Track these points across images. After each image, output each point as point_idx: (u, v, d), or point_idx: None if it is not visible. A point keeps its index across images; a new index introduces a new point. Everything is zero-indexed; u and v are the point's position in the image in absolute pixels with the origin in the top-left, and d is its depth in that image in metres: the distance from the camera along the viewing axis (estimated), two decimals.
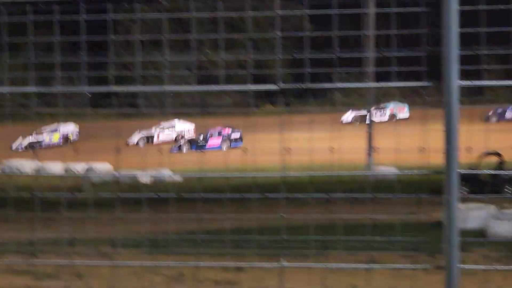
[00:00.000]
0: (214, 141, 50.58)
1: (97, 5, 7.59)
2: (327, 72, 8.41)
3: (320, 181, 10.72)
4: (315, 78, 7.07)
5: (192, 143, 51.13)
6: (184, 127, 54.71)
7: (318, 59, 8.00)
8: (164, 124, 53.72)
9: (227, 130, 51.04)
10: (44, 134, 54.57)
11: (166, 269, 14.23)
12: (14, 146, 51.87)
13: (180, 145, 50.57)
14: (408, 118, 55.67)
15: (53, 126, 53.13)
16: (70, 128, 54.58)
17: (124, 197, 8.85)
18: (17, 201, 9.26)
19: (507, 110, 60.16)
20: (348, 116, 58.37)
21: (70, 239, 14.63)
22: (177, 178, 33.57)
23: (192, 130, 54.21)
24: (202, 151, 47.12)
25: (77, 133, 54.51)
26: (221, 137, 51.02)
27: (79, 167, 42.82)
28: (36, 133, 54.14)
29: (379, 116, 57.86)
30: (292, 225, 9.90)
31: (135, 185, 32.21)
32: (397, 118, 57.34)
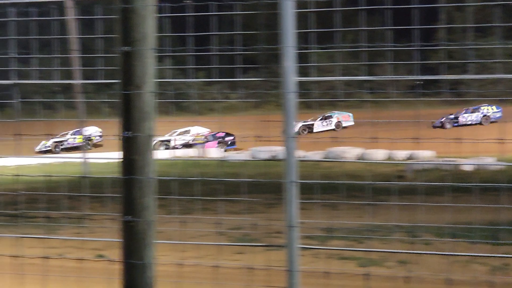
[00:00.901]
0: (211, 144, 53.70)
1: None
2: None
3: None
4: None
5: (191, 146, 54.09)
6: (200, 132, 55.95)
7: None
8: (180, 129, 55.28)
9: (221, 134, 54.25)
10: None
11: (491, 259, 13.85)
12: None
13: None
14: (353, 125, 55.73)
15: None
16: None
17: (446, 185, 8.71)
18: (344, 187, 9.43)
19: (459, 116, 57.42)
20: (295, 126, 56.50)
21: (394, 226, 14.68)
22: (501, 166, 32.51)
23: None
24: None
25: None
26: (216, 140, 54.04)
27: (401, 154, 42.98)
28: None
29: (325, 125, 58.90)
30: None
31: (457, 172, 31.68)
32: (343, 126, 57.72)
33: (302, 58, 6.28)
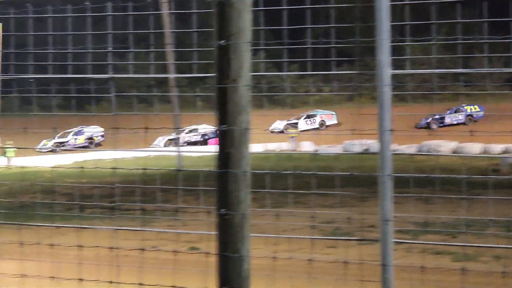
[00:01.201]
0: (212, 142, 53.37)
1: None
2: None
3: None
4: None
5: (193, 144, 54.66)
6: (207, 130, 55.33)
7: None
8: (188, 127, 54.83)
9: None
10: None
11: None
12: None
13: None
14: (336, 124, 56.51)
15: None
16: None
17: None
18: (438, 181, 9.32)
19: (445, 116, 56.49)
20: (278, 124, 56.89)
21: (489, 220, 14.44)
22: None
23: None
24: None
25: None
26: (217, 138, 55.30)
27: (497, 148, 42.24)
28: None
29: (310, 124, 58.81)
30: None
31: None
32: (327, 124, 58.11)
33: (396, 50, 6.23)
